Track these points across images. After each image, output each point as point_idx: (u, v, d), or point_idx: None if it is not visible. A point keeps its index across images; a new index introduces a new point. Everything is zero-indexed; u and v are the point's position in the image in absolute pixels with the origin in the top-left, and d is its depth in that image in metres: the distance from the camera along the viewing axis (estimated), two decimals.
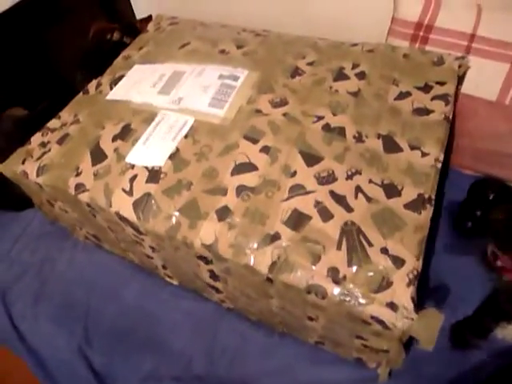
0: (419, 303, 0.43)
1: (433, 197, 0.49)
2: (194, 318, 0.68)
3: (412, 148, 0.53)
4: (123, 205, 0.54)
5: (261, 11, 0.87)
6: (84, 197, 0.57)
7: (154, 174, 0.55)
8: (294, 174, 0.52)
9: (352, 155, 0.53)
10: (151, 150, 0.58)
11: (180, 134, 0.58)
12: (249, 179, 0.52)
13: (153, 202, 0.53)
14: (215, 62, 0.67)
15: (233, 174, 0.53)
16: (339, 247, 0.46)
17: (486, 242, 0.58)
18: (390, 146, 0.54)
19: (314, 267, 0.45)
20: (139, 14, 1.18)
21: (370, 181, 0.50)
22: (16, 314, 0.74)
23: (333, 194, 0.49)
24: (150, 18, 0.97)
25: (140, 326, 0.69)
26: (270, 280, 0.47)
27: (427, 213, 0.48)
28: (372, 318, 0.42)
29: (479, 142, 0.70)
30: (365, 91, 0.59)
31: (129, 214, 0.54)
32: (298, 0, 0.86)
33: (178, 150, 0.57)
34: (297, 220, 0.48)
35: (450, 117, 0.56)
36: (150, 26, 0.82)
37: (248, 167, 0.53)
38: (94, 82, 0.74)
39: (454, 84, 0.59)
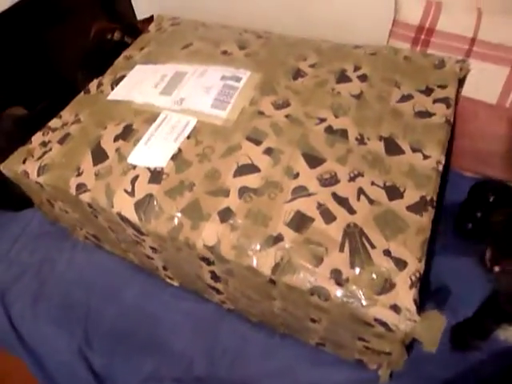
0: (420, 304, 0.43)
1: (435, 199, 0.50)
2: (195, 319, 0.68)
3: (414, 150, 0.53)
4: (125, 205, 0.54)
5: (262, 12, 0.88)
6: (85, 197, 0.57)
7: (156, 175, 0.55)
8: (297, 175, 0.52)
9: (354, 157, 0.53)
10: (153, 150, 0.58)
11: (182, 134, 0.58)
12: (251, 181, 0.52)
13: (155, 202, 0.53)
14: (217, 62, 0.67)
15: (235, 175, 0.53)
16: (342, 249, 0.46)
17: (485, 246, 0.59)
18: (392, 148, 0.54)
19: (316, 269, 0.45)
20: (140, 14, 1.18)
21: (373, 183, 0.50)
22: (15, 314, 0.74)
23: (335, 196, 0.49)
24: (151, 18, 0.98)
25: (140, 327, 0.69)
26: (272, 281, 0.47)
27: (429, 215, 0.48)
28: (375, 320, 0.43)
29: (480, 145, 0.71)
30: (367, 93, 0.59)
31: (130, 214, 0.53)
32: (299, 1, 0.86)
33: (180, 150, 0.56)
34: (299, 222, 0.48)
35: (452, 120, 0.57)
36: (152, 27, 0.82)
37: (250, 169, 0.53)
38: (95, 82, 0.73)
39: (454, 87, 0.60)
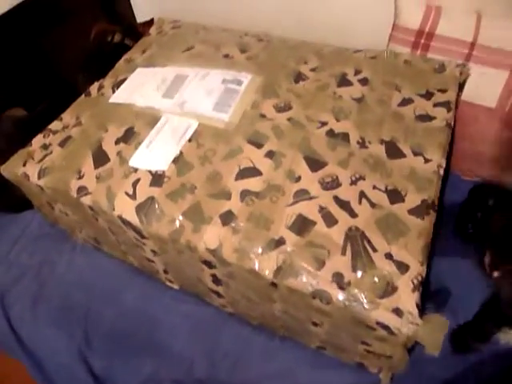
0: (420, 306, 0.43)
1: (436, 202, 0.50)
2: (195, 321, 0.68)
3: (415, 154, 0.54)
4: (126, 208, 0.54)
5: (262, 15, 0.88)
6: (86, 200, 0.57)
7: (157, 178, 0.55)
8: (299, 179, 0.52)
9: (356, 161, 0.53)
10: (154, 153, 0.58)
11: (184, 137, 0.58)
12: (253, 184, 0.52)
13: (156, 205, 0.53)
14: (219, 66, 0.67)
15: (237, 178, 0.53)
16: (344, 252, 0.46)
17: (484, 250, 0.59)
18: (393, 151, 0.54)
19: (318, 272, 0.45)
20: (139, 17, 1.18)
21: (374, 186, 0.51)
22: (14, 316, 0.73)
23: (337, 199, 0.50)
24: (151, 21, 0.98)
25: (140, 329, 0.69)
26: (274, 285, 0.47)
27: (431, 218, 0.48)
28: (377, 323, 0.43)
29: (479, 148, 0.71)
30: (368, 97, 0.59)
31: (132, 217, 0.53)
32: (299, 5, 0.86)
33: (181, 153, 0.57)
34: (301, 225, 0.48)
35: (452, 123, 0.57)
36: (153, 30, 0.82)
37: (252, 172, 0.53)
38: (95, 85, 0.73)
39: (455, 91, 0.60)
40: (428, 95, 0.59)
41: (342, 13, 0.82)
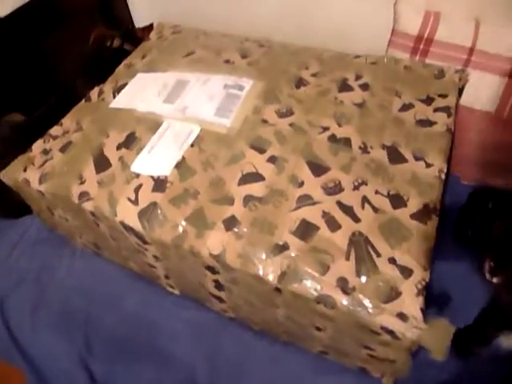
0: None
1: (438, 207, 0.50)
2: (196, 327, 0.68)
3: (416, 159, 0.54)
4: (128, 214, 0.54)
5: (262, 20, 0.88)
6: (88, 205, 0.56)
7: (159, 183, 0.55)
8: (302, 184, 0.52)
9: (358, 166, 0.53)
10: (156, 158, 0.58)
11: (186, 142, 0.58)
12: (256, 189, 0.52)
13: (159, 211, 0.53)
14: (220, 71, 0.67)
15: (240, 183, 0.53)
16: (348, 257, 0.46)
17: (483, 256, 0.59)
18: (395, 156, 0.54)
19: (323, 277, 0.45)
20: (137, 22, 1.18)
21: (377, 191, 0.51)
22: (13, 322, 0.73)
23: (340, 204, 0.50)
24: (150, 26, 0.98)
25: (141, 334, 0.69)
26: (278, 290, 0.47)
27: (433, 223, 0.49)
28: (381, 328, 0.43)
29: (478, 152, 0.72)
30: (369, 102, 0.60)
31: (134, 223, 0.53)
32: (299, 10, 0.86)
33: (184, 158, 0.57)
34: (305, 230, 0.48)
35: (453, 129, 0.57)
36: (153, 35, 0.82)
37: (255, 177, 0.53)
38: (95, 90, 0.73)
39: (455, 96, 0.61)
40: (428, 100, 0.60)
41: (341, 18, 0.82)
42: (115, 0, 1.10)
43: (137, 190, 0.55)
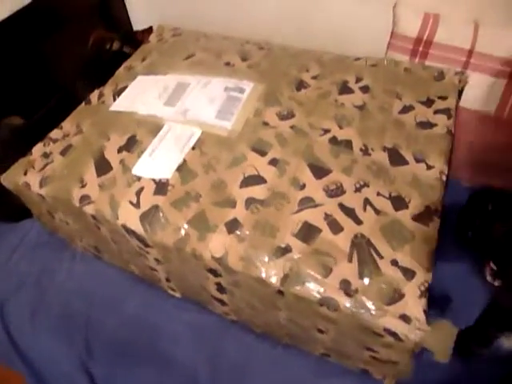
0: None
1: (439, 209, 0.50)
2: (198, 329, 0.68)
3: (417, 161, 0.54)
4: (130, 217, 0.54)
5: (262, 23, 0.88)
6: (89, 209, 0.56)
7: (161, 186, 0.55)
8: (303, 186, 0.52)
9: (359, 168, 0.53)
10: (158, 161, 0.58)
11: (187, 145, 0.58)
12: (258, 192, 0.52)
13: (161, 214, 0.53)
14: (220, 74, 0.67)
15: (241, 186, 0.53)
16: (350, 259, 0.46)
17: (484, 259, 0.59)
18: (396, 158, 0.54)
19: (326, 280, 0.45)
20: (136, 24, 1.19)
21: (378, 193, 0.51)
22: (14, 325, 0.73)
23: (342, 206, 0.50)
24: (150, 29, 0.98)
25: (142, 337, 0.68)
26: (281, 292, 0.47)
27: (435, 225, 0.49)
28: (385, 330, 0.43)
29: (478, 154, 0.72)
30: (369, 104, 0.60)
31: (136, 226, 0.53)
32: (298, 13, 0.87)
33: (185, 161, 0.57)
34: (307, 232, 0.48)
35: (453, 130, 0.58)
36: (152, 37, 0.83)
37: (257, 180, 0.53)
38: (95, 93, 0.73)
39: (454, 98, 0.61)
40: (428, 102, 0.60)
41: (340, 21, 0.83)
42: (114, 2, 1.10)
43: (138, 193, 0.55)
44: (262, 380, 0.63)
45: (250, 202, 0.52)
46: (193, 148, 0.58)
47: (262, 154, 0.56)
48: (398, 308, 0.43)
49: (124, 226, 0.54)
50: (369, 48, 0.74)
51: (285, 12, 0.88)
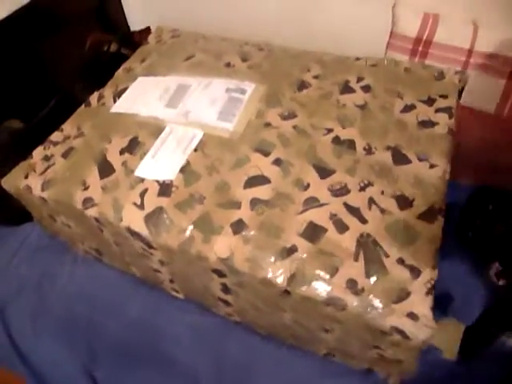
0: None
1: (443, 208, 0.50)
2: (201, 331, 0.67)
3: (420, 160, 0.54)
4: (134, 219, 0.54)
5: (261, 25, 0.88)
6: (92, 211, 0.56)
7: (165, 188, 0.55)
8: (308, 186, 0.52)
9: (363, 167, 0.54)
10: (161, 163, 0.57)
11: (190, 147, 0.58)
12: (262, 192, 0.52)
13: (165, 216, 0.53)
14: (221, 75, 0.67)
15: (245, 187, 0.53)
16: (356, 259, 0.46)
17: (489, 260, 0.59)
18: (399, 157, 0.55)
19: (332, 279, 0.45)
20: (133, 26, 1.18)
21: (382, 192, 0.51)
22: (15, 329, 0.72)
23: (347, 206, 0.50)
24: (147, 29, 0.98)
25: (145, 340, 0.68)
26: (287, 293, 0.47)
27: (439, 223, 0.49)
28: (392, 328, 0.43)
29: (478, 153, 0.72)
30: (371, 104, 0.60)
31: (140, 228, 0.53)
32: (297, 14, 0.87)
33: (188, 163, 0.56)
34: (313, 232, 0.48)
35: (454, 129, 0.58)
36: (151, 38, 0.82)
37: (261, 180, 0.53)
38: (95, 95, 0.73)
39: (455, 97, 0.61)
40: (430, 101, 0.60)
41: (340, 22, 0.83)
42: (111, 4, 1.10)
43: (142, 194, 0.55)
44: (267, 381, 0.63)
45: (254, 202, 0.52)
46: (195, 150, 0.58)
47: (266, 154, 0.56)
48: (405, 306, 0.43)
49: (128, 228, 0.54)
50: (368, 49, 0.74)
51: (284, 13, 0.88)
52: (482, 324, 0.59)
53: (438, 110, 0.59)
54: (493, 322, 0.58)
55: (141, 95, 0.68)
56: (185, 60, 0.73)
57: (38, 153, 0.66)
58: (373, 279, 0.45)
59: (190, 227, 0.51)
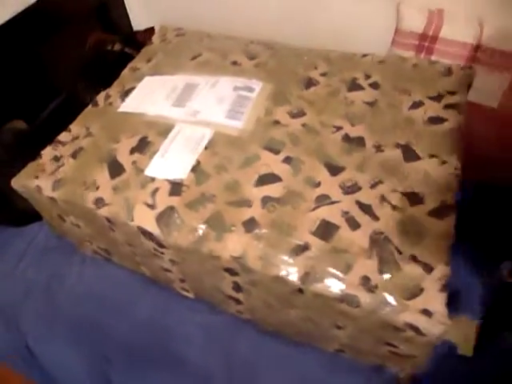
0: None
1: (454, 204, 0.51)
2: (211, 331, 0.67)
3: (430, 156, 0.55)
4: (145, 219, 0.54)
5: (263, 23, 0.88)
6: (104, 211, 0.56)
7: (176, 187, 0.55)
8: (319, 184, 0.52)
9: (373, 165, 0.54)
10: (171, 162, 0.57)
11: (199, 146, 0.58)
12: (273, 190, 0.52)
13: (176, 215, 0.53)
14: (228, 73, 0.67)
15: (257, 185, 0.53)
16: (369, 256, 0.46)
17: (495, 259, 0.59)
18: (409, 154, 0.55)
19: (346, 276, 0.45)
20: (135, 25, 1.18)
21: (393, 189, 0.51)
22: (25, 332, 0.72)
23: (359, 203, 0.50)
24: (151, 29, 0.98)
25: (155, 340, 0.68)
26: (300, 291, 0.47)
27: (451, 220, 0.49)
28: (406, 324, 0.43)
29: (482, 148, 0.72)
30: (380, 101, 0.60)
31: (152, 227, 0.53)
32: (301, 12, 0.87)
33: (198, 162, 0.57)
34: (325, 230, 0.48)
35: (463, 125, 0.58)
36: (156, 38, 0.82)
37: (271, 178, 0.54)
38: (102, 94, 0.73)
39: (463, 93, 0.61)
40: (438, 98, 0.60)
41: (342, 20, 0.83)
42: (114, 4, 1.09)
43: (153, 193, 0.55)
44: (276, 377, 0.63)
45: (266, 200, 0.52)
46: (205, 148, 0.58)
47: (276, 152, 0.56)
48: (419, 302, 0.43)
49: (140, 228, 0.54)
50: (371, 46, 0.74)
51: (286, 12, 0.88)
52: (485, 322, 0.59)
53: (446, 107, 0.60)
54: (496, 320, 0.58)
55: (148, 95, 0.68)
56: (191, 59, 0.73)
57: (47, 153, 0.66)
58: (386, 276, 0.45)
59: (202, 226, 0.51)
